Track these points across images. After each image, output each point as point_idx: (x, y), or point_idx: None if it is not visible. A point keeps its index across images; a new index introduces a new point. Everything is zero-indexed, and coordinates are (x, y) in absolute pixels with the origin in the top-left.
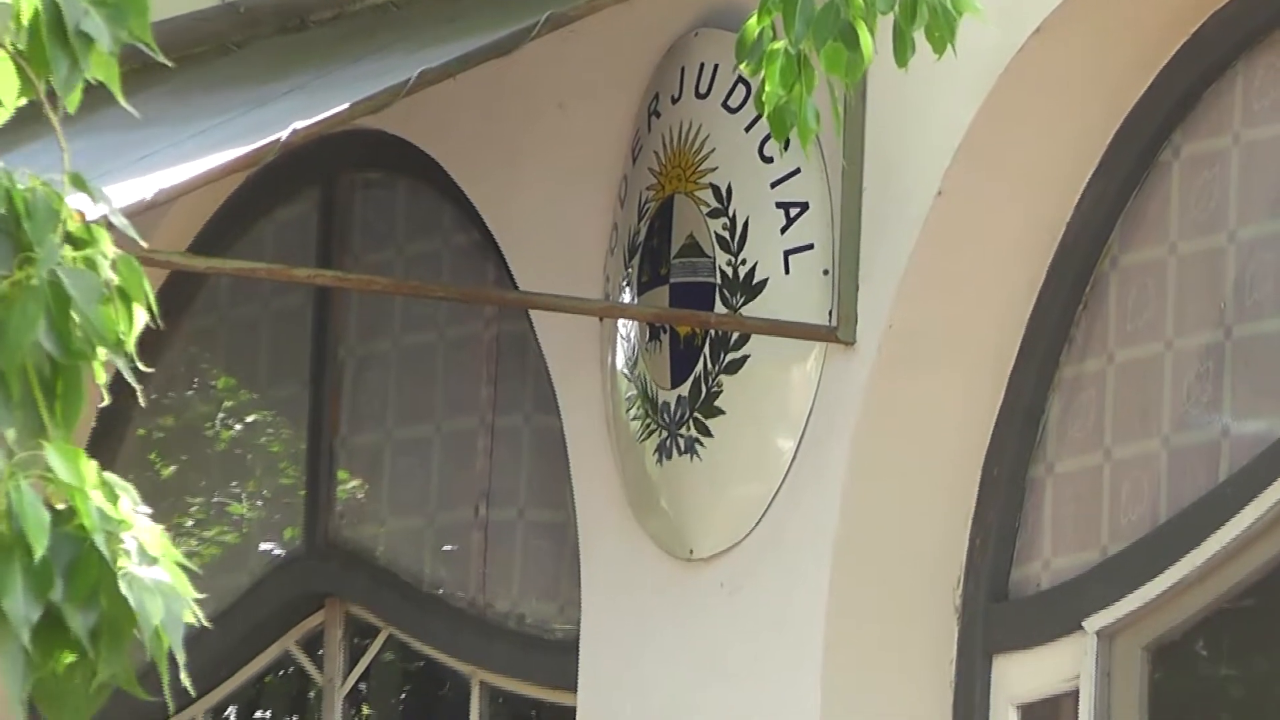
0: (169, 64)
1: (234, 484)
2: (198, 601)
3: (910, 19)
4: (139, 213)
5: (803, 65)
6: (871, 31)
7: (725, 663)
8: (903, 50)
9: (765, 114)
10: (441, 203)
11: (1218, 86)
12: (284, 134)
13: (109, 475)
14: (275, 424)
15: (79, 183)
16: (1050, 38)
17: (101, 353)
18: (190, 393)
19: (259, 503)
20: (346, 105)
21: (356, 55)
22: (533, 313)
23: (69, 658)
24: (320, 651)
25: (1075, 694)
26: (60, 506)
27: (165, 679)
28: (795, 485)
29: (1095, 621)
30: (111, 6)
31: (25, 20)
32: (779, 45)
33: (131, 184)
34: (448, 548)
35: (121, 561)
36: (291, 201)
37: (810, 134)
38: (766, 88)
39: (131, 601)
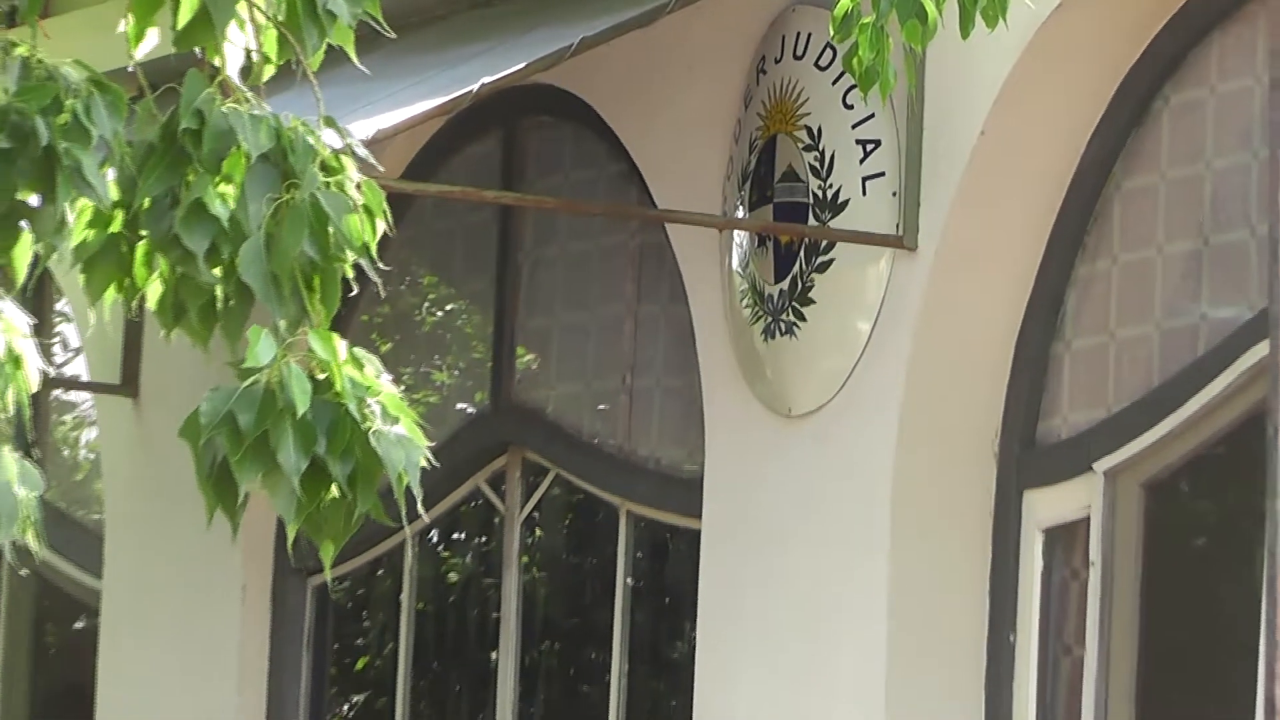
0: (391, 35)
1: (436, 357)
2: None
3: (974, 1)
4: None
5: (884, 35)
6: (940, 10)
7: (814, 496)
8: (965, 24)
9: (856, 74)
10: (597, 141)
11: (1199, 50)
12: (475, 87)
13: (357, 350)
14: (468, 311)
15: (331, 123)
16: (1069, 12)
17: (349, 256)
18: (403, 288)
19: (455, 372)
20: (524, 64)
21: (531, 26)
22: (668, 225)
23: (330, 496)
24: (503, 488)
25: (1087, 520)
26: (320, 377)
27: (404, 508)
28: (870, 359)
29: (1103, 464)
30: None
31: None
32: (867, 20)
33: (357, 125)
34: (601, 407)
35: (369, 421)
36: (481, 140)
37: (889, 89)
38: (857, 53)
39: (379, 453)
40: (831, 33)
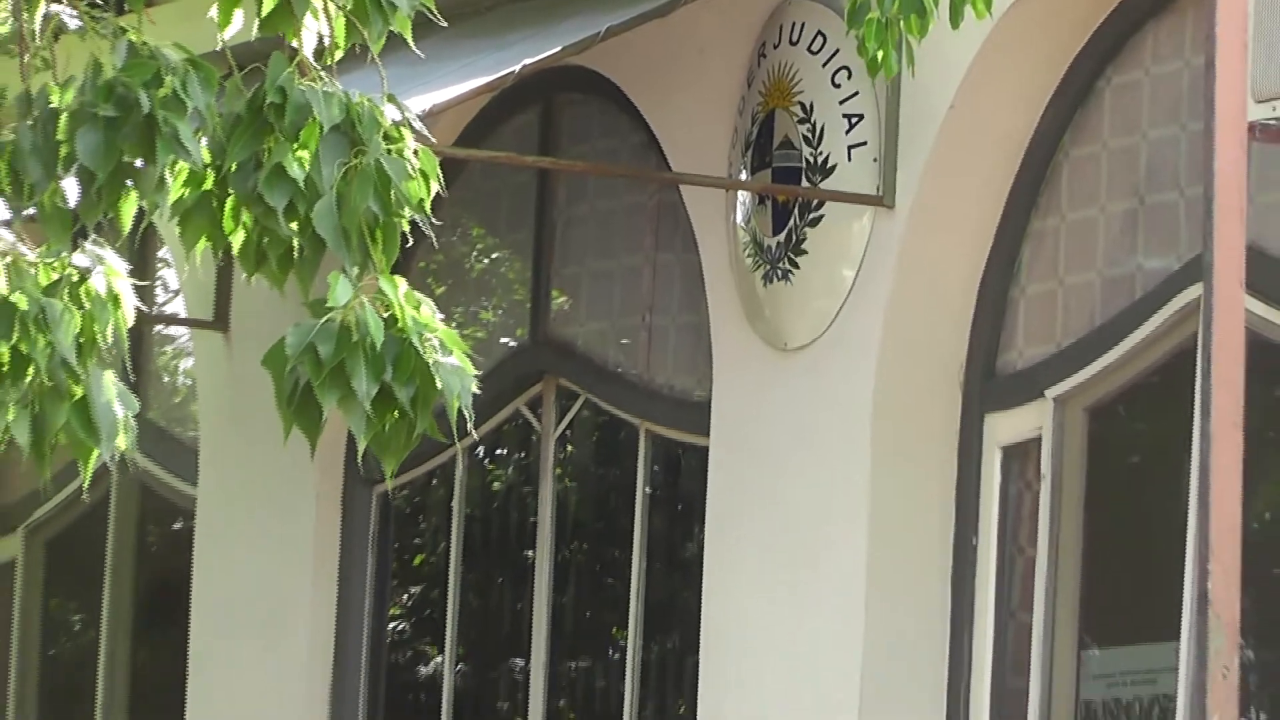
0: (443, 23)
1: (483, 299)
2: None
3: None
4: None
5: (890, 28)
6: (936, 4)
7: (806, 418)
8: (955, 17)
9: (865, 59)
10: (621, 114)
11: (1136, 38)
12: (516, 68)
13: (416, 293)
14: (510, 259)
15: (392, 99)
16: (1025, 5)
17: (408, 212)
18: (454, 238)
19: (500, 311)
20: (558, 49)
21: (565, 16)
22: (681, 187)
23: (394, 418)
24: (539, 410)
25: (1039, 439)
26: (385, 315)
27: (456, 427)
28: (854, 302)
29: (1053, 391)
30: None
31: None
32: (874, 15)
33: (415, 100)
34: (624, 341)
35: (429, 352)
36: (522, 113)
37: (893, 73)
38: (865, 43)
39: (437, 379)
40: (845, 25)
